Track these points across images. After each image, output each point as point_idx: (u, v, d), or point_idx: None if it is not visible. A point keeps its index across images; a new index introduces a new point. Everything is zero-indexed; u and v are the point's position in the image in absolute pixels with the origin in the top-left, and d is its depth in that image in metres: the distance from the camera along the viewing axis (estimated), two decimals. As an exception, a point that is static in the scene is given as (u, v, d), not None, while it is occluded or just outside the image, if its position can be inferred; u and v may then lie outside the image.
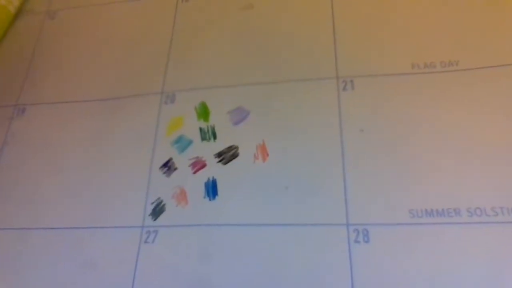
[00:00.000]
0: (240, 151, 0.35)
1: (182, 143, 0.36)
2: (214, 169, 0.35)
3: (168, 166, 0.36)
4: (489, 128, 0.32)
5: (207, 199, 0.34)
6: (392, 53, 0.37)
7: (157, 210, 0.34)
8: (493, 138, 0.32)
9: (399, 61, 0.36)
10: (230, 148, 0.35)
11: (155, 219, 0.34)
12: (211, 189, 0.34)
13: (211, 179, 0.34)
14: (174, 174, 0.35)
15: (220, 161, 0.35)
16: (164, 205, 0.34)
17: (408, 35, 0.37)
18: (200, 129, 0.37)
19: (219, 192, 0.34)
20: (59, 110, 0.41)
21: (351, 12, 0.39)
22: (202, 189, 0.34)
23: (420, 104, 0.34)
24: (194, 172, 0.35)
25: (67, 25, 0.47)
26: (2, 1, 0.47)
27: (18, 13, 0.49)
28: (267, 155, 0.34)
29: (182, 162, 0.36)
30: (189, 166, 0.35)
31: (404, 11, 0.38)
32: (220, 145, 0.36)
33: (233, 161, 0.35)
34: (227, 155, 0.35)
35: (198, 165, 0.35)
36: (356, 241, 0.30)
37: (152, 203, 0.34)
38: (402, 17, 0.38)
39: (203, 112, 0.37)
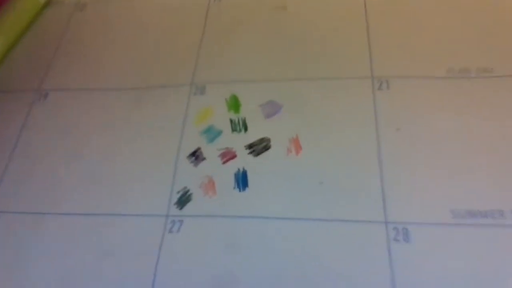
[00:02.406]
0: (272, 143, 0.34)
1: (211, 133, 0.35)
2: (244, 160, 0.34)
3: (196, 156, 0.34)
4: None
5: (236, 190, 0.32)
6: (428, 56, 0.37)
7: (183, 199, 0.33)
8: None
9: (435, 65, 0.36)
10: (262, 140, 0.34)
11: (180, 208, 0.32)
12: (241, 180, 0.33)
13: (241, 170, 0.33)
14: (202, 164, 0.34)
15: (251, 152, 0.34)
16: (190, 194, 0.33)
17: (444, 39, 0.37)
18: (231, 120, 0.36)
19: (249, 184, 0.32)
20: (83, 97, 0.40)
21: (384, 14, 0.39)
22: (231, 180, 0.33)
23: (455, 107, 0.34)
24: (224, 163, 0.34)
25: (96, 17, 0.47)
26: (32, -10, 0.47)
27: (47, 3, 0.49)
28: (301, 149, 0.33)
29: (211, 152, 0.35)
30: (218, 156, 0.34)
31: (441, 16, 0.38)
32: (251, 137, 0.35)
33: (265, 153, 0.34)
34: (259, 147, 0.34)
35: (228, 155, 0.34)
36: (396, 240, 0.29)
37: (178, 192, 0.33)
38: (438, 21, 0.38)
39: (234, 104, 0.37)
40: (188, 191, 0.33)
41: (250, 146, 0.34)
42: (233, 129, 0.35)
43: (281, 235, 0.30)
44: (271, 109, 0.36)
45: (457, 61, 0.36)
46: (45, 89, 0.42)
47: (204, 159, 0.34)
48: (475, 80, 0.35)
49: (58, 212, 0.34)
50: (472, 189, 0.30)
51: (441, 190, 0.30)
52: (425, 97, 0.35)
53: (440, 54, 0.37)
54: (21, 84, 0.42)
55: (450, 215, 0.29)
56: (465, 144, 0.32)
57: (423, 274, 0.27)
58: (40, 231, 0.33)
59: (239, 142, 0.35)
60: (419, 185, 0.31)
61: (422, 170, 0.31)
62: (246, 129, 0.35)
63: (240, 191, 0.32)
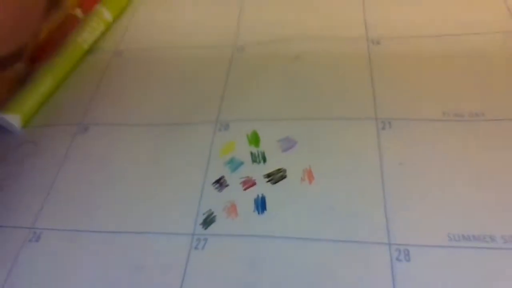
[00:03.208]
0: (288, 173, 0.39)
1: (233, 164, 0.40)
2: (263, 188, 0.38)
3: (220, 183, 0.39)
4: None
5: (256, 213, 0.36)
6: (426, 101, 0.42)
7: (208, 220, 0.37)
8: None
9: (432, 108, 0.41)
10: (279, 170, 0.39)
11: (205, 228, 0.36)
12: (260, 204, 0.37)
13: (260, 196, 0.37)
14: (226, 190, 0.38)
15: (269, 181, 0.38)
16: (215, 216, 0.37)
17: (440, 85, 0.42)
18: (251, 153, 0.41)
19: (268, 208, 0.37)
20: (120, 131, 0.46)
21: (386, 63, 0.45)
22: (251, 204, 0.37)
23: (451, 146, 0.38)
24: (245, 189, 0.38)
25: (132, 62, 0.53)
26: (79, 39, 0.54)
27: (90, 50, 0.56)
28: (313, 178, 0.38)
29: (234, 180, 0.39)
30: (240, 183, 0.39)
31: (437, 64, 0.44)
32: (269, 167, 0.39)
33: (281, 181, 0.38)
34: (276, 176, 0.38)
35: (249, 183, 0.38)
36: (398, 259, 0.32)
37: (204, 213, 0.37)
38: (435, 69, 0.44)
39: (254, 139, 0.42)
40: (212, 213, 0.37)
41: (268, 175, 0.39)
42: (253, 161, 0.40)
43: (296, 254, 0.34)
44: (288, 144, 0.41)
45: (452, 106, 0.41)
46: (85, 123, 0.47)
47: (227, 185, 0.39)
48: (468, 123, 0.40)
49: (92, 230, 0.38)
50: (467, 216, 0.34)
51: (439, 216, 0.34)
52: (424, 137, 0.39)
53: (436, 99, 0.42)
54: (64, 119, 0.48)
55: (447, 238, 0.33)
56: (460, 176, 0.36)
57: (423, 290, 0.31)
58: (75, 248, 0.37)
59: (258, 172, 0.39)
60: (419, 211, 0.34)
61: (422, 198, 0.35)
62: (265, 160, 0.40)
63: (259, 214, 0.36)
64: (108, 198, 0.40)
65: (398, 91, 0.43)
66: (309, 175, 0.38)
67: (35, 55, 0.53)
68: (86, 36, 0.55)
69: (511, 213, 0.33)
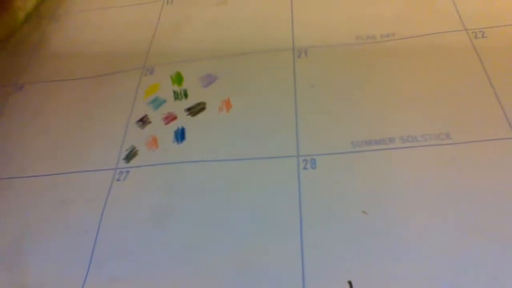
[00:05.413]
0: (207, 106, 0.40)
1: (156, 102, 0.41)
2: (183, 120, 0.39)
3: (143, 121, 0.40)
4: (416, 79, 0.37)
5: (175, 143, 0.38)
6: (340, 27, 0.43)
7: (130, 155, 0.38)
8: (418, 85, 0.37)
9: (346, 34, 0.42)
10: (198, 104, 0.40)
11: (127, 162, 0.37)
12: (180, 135, 0.38)
13: (180, 127, 0.39)
14: (148, 127, 0.40)
15: (189, 114, 0.40)
16: (137, 151, 0.38)
17: (352, 12, 0.44)
18: (174, 91, 0.42)
19: (186, 137, 0.38)
20: (53, 87, 0.47)
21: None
22: (172, 136, 0.38)
23: (362, 66, 0.40)
24: (166, 124, 0.39)
25: (67, 25, 0.54)
26: (16, 6, 0.55)
27: (27, 17, 0.56)
28: (231, 107, 0.39)
29: (156, 117, 0.40)
30: (162, 119, 0.40)
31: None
32: (190, 102, 0.41)
33: (201, 113, 0.39)
34: (195, 109, 0.40)
35: (170, 118, 0.40)
36: (305, 168, 0.34)
37: (127, 149, 0.38)
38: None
39: (177, 78, 0.43)
40: (134, 148, 0.38)
41: (189, 109, 0.40)
42: (176, 98, 0.41)
43: (210, 174, 0.35)
44: (208, 80, 0.42)
45: (364, 29, 0.42)
46: (20, 83, 0.48)
47: (150, 122, 0.40)
48: (380, 44, 0.41)
49: (25, 176, 0.39)
50: (369, 125, 0.35)
51: (344, 127, 0.36)
52: (337, 60, 0.41)
53: (350, 25, 0.43)
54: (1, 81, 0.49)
55: (350, 145, 0.34)
56: (364, 92, 0.38)
57: (326, 194, 0.32)
58: (10, 193, 0.38)
59: (180, 107, 0.40)
60: (326, 125, 0.36)
61: (329, 113, 0.37)
62: (186, 96, 0.41)
63: (178, 143, 0.38)
64: (39, 147, 0.41)
65: (314, 20, 0.44)
66: (227, 104, 0.39)
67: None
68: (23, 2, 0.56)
69: (407, 116, 0.35)
